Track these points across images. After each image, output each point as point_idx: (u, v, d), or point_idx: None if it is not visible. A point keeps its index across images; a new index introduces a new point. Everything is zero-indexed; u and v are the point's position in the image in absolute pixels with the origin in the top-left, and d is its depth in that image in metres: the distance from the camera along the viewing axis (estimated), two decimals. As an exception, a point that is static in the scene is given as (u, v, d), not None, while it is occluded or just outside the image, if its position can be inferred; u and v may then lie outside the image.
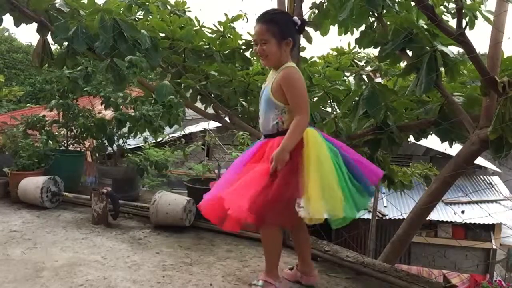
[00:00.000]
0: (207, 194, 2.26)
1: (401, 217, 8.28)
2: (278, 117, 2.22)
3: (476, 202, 10.28)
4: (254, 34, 2.28)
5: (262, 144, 2.26)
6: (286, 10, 3.22)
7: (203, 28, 4.55)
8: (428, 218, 4.50)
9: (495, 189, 10.86)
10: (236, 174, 2.18)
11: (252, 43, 4.36)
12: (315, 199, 2.02)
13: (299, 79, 2.21)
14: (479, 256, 10.37)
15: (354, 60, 4.88)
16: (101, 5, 4.06)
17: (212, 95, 4.61)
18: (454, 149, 4.01)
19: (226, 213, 2.05)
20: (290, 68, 2.24)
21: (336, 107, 4.33)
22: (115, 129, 4.50)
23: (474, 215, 9.41)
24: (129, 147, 4.86)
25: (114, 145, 4.58)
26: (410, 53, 3.45)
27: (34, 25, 4.28)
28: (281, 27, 2.19)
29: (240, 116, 4.83)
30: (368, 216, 8.80)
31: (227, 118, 4.84)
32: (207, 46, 4.47)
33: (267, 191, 2.05)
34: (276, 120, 2.22)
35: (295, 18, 2.28)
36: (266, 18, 2.22)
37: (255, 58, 4.49)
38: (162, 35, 4.38)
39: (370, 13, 3.56)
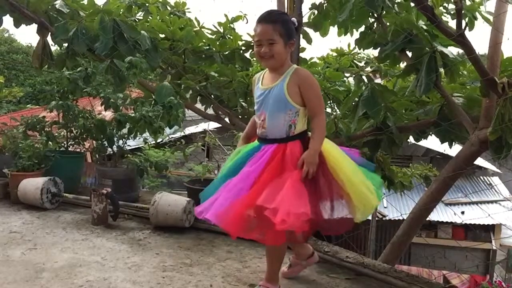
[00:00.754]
0: (215, 205, 2.05)
1: (401, 218, 8.28)
2: (292, 120, 2.14)
3: (476, 203, 10.28)
4: (257, 35, 2.17)
5: (275, 150, 2.12)
6: (286, 11, 3.23)
7: (203, 29, 4.56)
8: (428, 218, 4.51)
9: (495, 190, 10.86)
10: (253, 184, 2.02)
11: (252, 44, 4.37)
12: (367, 197, 2.11)
13: (315, 79, 2.24)
14: (479, 257, 10.37)
15: (354, 61, 4.88)
16: (101, 6, 4.07)
17: (212, 96, 4.62)
18: (454, 149, 4.02)
19: (255, 224, 2.01)
20: (302, 69, 2.27)
21: (336, 108, 4.33)
22: (115, 130, 4.50)
23: (474, 215, 9.40)
24: (129, 148, 4.85)
25: (114, 146, 4.57)
26: (409, 54, 3.45)
27: (34, 26, 4.29)
28: (287, 28, 2.16)
29: (240, 117, 4.84)
30: (368, 217, 8.78)
31: (227, 119, 4.85)
32: (207, 47, 4.48)
33: (317, 197, 2.03)
34: (290, 123, 2.14)
35: (293, 19, 2.28)
36: (273, 19, 2.16)
37: (254, 59, 4.50)
38: (162, 36, 4.39)
39: (370, 14, 3.56)
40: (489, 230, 10.15)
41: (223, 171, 2.25)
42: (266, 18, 2.16)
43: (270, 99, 2.18)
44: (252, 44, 4.35)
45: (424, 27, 3.33)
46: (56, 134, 4.87)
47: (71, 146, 4.92)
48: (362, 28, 3.77)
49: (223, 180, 2.17)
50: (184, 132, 6.87)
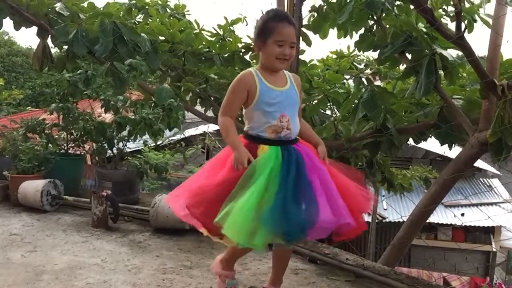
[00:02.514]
0: (345, 211, 1.93)
1: (401, 220, 8.29)
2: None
3: (476, 205, 10.28)
4: (283, 35, 2.03)
5: (308, 151, 2.09)
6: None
7: (202, 31, 4.57)
8: (428, 220, 4.50)
9: (495, 192, 10.87)
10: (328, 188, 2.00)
11: (251, 46, 4.37)
12: None
13: None
14: (479, 259, 10.37)
15: (354, 63, 4.89)
16: (101, 9, 4.08)
17: (212, 98, 4.62)
18: (454, 151, 4.01)
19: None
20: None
21: (335, 110, 4.33)
22: (115, 132, 4.51)
23: (474, 217, 9.40)
24: (129, 150, 4.86)
25: (114, 148, 4.58)
26: (409, 56, 3.46)
27: (34, 29, 4.30)
28: None
29: (240, 119, 4.84)
30: (368, 219, 8.80)
31: (227, 121, 4.84)
32: (207, 49, 4.48)
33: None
34: (298, 123, 2.18)
35: None
36: (292, 21, 2.11)
37: (254, 61, 4.50)
38: (162, 38, 4.39)
39: (370, 16, 3.57)
40: (489, 232, 10.16)
41: (266, 188, 1.86)
42: (289, 20, 2.08)
43: (288, 101, 2.11)
44: (252, 46, 4.34)
45: (424, 29, 3.34)
46: (56, 136, 4.87)
47: (71, 149, 4.92)
48: (362, 31, 3.77)
49: (279, 193, 1.87)
50: (184, 134, 6.87)
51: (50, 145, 4.66)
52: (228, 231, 1.80)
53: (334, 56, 5.02)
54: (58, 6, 4.17)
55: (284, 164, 1.96)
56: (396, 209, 9.19)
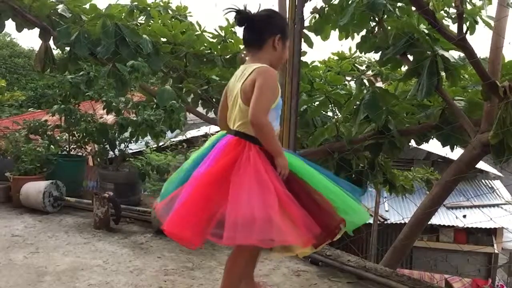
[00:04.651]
0: None
1: (402, 222, 8.27)
2: None
3: (478, 207, 10.25)
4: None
5: None
6: (287, 15, 3.24)
7: (204, 33, 4.57)
8: (429, 222, 4.50)
9: (497, 193, 10.83)
10: None
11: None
12: None
13: None
14: (481, 261, 10.33)
15: (355, 64, 4.90)
16: (103, 11, 4.09)
17: (214, 100, 4.62)
18: (456, 153, 4.02)
19: None
20: None
21: (337, 112, 4.34)
22: (116, 134, 4.51)
23: (475, 219, 9.37)
24: (130, 151, 4.86)
25: (116, 150, 4.58)
26: (411, 57, 3.46)
27: (36, 30, 4.31)
28: None
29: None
30: (369, 220, 8.78)
31: (228, 123, 4.85)
32: (209, 51, 4.49)
33: None
34: None
35: None
36: None
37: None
38: (164, 40, 4.40)
39: (371, 18, 3.57)
40: (491, 234, 10.13)
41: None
42: None
43: None
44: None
45: (426, 31, 3.34)
46: (58, 137, 4.88)
47: (73, 150, 4.93)
48: (363, 32, 3.77)
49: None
50: (185, 136, 6.87)
51: (52, 146, 4.67)
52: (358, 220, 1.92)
53: (336, 58, 5.03)
54: (60, 8, 4.18)
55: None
56: (398, 211, 9.17)
